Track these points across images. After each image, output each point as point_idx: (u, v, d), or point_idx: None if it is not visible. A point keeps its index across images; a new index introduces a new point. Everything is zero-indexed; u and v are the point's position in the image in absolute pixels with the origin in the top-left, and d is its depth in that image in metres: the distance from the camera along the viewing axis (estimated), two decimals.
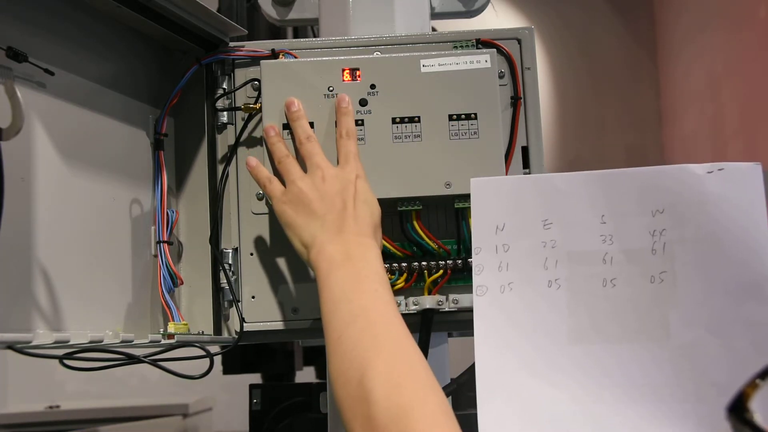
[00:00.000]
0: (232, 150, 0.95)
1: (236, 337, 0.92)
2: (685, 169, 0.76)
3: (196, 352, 0.81)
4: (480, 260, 0.78)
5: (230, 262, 0.94)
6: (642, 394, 0.75)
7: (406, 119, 0.88)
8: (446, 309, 0.90)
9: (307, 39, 1.03)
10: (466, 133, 0.88)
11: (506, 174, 0.91)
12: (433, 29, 1.14)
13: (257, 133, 0.94)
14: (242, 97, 0.95)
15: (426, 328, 0.88)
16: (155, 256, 0.90)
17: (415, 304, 0.90)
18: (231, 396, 2.62)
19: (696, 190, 0.76)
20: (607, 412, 0.75)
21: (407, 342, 0.71)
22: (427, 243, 0.89)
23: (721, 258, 0.75)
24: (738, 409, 0.47)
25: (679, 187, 0.76)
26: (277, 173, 0.86)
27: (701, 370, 0.74)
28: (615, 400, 0.75)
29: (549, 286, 0.77)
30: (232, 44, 0.95)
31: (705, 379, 0.74)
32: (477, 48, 0.94)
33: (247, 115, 0.94)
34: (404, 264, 0.89)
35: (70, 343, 0.71)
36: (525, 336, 0.76)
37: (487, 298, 0.77)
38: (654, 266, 0.76)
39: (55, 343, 0.69)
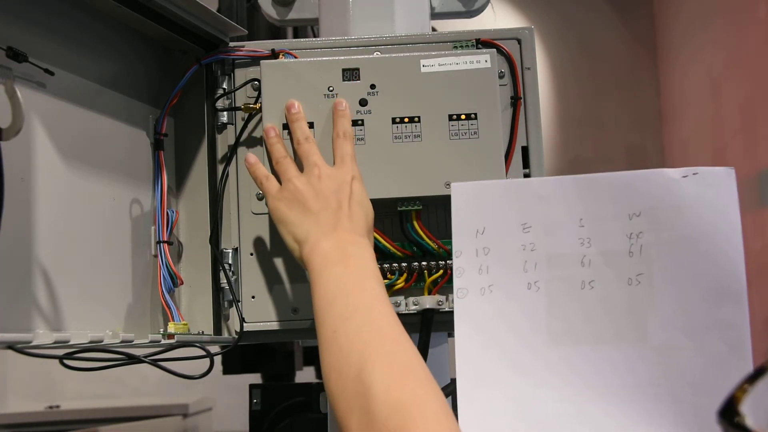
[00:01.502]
0: (232, 150, 0.95)
1: (236, 337, 0.93)
2: (661, 173, 0.78)
3: (196, 352, 0.81)
4: (460, 263, 0.79)
5: (230, 262, 0.94)
6: (620, 394, 0.76)
7: (406, 119, 0.88)
8: (446, 309, 0.90)
9: (307, 39, 1.03)
10: (466, 133, 0.88)
11: (506, 174, 0.91)
12: (433, 29, 1.14)
13: (257, 133, 0.94)
14: (242, 97, 0.95)
15: (426, 328, 0.88)
16: (155, 256, 0.90)
17: (415, 304, 0.90)
18: (231, 396, 2.61)
19: (672, 193, 0.77)
20: (588, 410, 0.75)
21: (405, 341, 0.71)
22: (427, 243, 0.89)
23: (696, 260, 0.76)
24: (729, 412, 0.47)
25: (655, 191, 0.78)
26: (275, 173, 0.86)
27: (677, 371, 0.75)
28: (599, 399, 0.76)
29: (528, 288, 0.78)
30: (232, 44, 0.95)
31: (681, 380, 0.75)
32: (477, 48, 0.94)
33: (247, 115, 0.94)
34: (404, 264, 0.89)
35: (70, 343, 0.71)
36: (505, 337, 0.78)
37: (468, 301, 0.78)
38: (631, 268, 0.77)
39: (55, 343, 0.69)
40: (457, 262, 0.79)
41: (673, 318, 0.76)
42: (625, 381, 0.76)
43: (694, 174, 0.77)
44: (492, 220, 0.80)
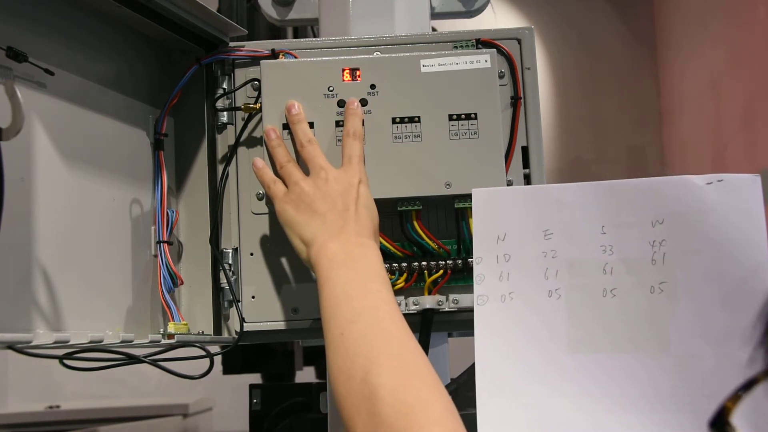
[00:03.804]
0: (232, 150, 0.95)
1: (236, 337, 0.93)
2: (684, 180, 0.77)
3: (196, 352, 0.81)
4: (481, 270, 0.79)
5: (230, 262, 0.94)
6: (639, 404, 0.75)
7: (406, 119, 0.88)
8: (446, 309, 0.90)
9: (307, 39, 1.03)
10: (466, 133, 0.88)
11: (506, 174, 0.91)
12: (433, 29, 1.14)
13: (257, 133, 0.94)
14: (242, 97, 0.95)
15: (426, 328, 0.88)
16: (155, 256, 0.90)
17: (415, 304, 0.90)
18: (231, 396, 2.61)
19: (695, 201, 0.76)
20: (606, 419, 0.75)
21: (411, 342, 0.71)
22: (427, 243, 0.89)
23: (720, 269, 0.75)
24: (719, 424, 0.47)
25: (678, 198, 0.77)
26: (279, 177, 0.86)
27: (699, 382, 0.74)
28: (618, 408, 0.75)
29: (549, 295, 0.78)
30: (232, 44, 0.95)
31: (702, 390, 0.74)
32: (477, 48, 0.94)
33: (247, 115, 0.94)
34: (404, 264, 0.89)
35: (70, 343, 0.71)
36: (525, 344, 0.77)
37: (488, 308, 0.78)
38: (654, 277, 0.76)
39: (55, 343, 0.69)
40: (477, 269, 0.79)
41: (695, 327, 0.75)
42: (644, 390, 0.75)
43: (719, 181, 0.76)
44: (513, 226, 0.79)
